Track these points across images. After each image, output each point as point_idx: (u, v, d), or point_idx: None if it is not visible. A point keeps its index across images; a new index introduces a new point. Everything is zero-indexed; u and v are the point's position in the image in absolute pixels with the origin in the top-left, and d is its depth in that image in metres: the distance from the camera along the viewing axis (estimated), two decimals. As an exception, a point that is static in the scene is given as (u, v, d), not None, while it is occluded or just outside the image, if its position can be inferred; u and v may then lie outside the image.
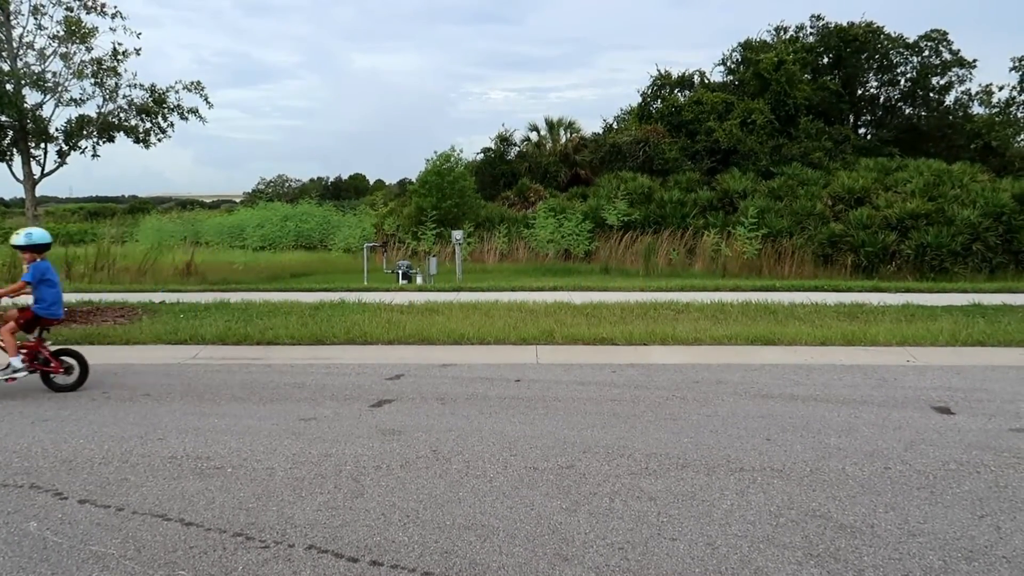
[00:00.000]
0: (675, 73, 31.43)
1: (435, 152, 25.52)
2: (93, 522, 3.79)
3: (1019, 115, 23.34)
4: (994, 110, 25.30)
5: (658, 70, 31.87)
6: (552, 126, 32.81)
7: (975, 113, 29.51)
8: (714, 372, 7.07)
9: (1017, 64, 23.08)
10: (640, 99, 31.90)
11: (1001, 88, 28.07)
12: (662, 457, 4.64)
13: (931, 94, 32.10)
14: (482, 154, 32.07)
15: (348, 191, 60.06)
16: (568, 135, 32.91)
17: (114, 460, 4.67)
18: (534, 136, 33.02)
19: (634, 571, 3.25)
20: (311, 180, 60.41)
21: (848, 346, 8.15)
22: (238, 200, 55.81)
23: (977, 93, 29.94)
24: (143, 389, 6.51)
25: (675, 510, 3.86)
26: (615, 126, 33.34)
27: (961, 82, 31.64)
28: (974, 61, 31.14)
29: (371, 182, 65.49)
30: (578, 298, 11.32)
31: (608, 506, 3.92)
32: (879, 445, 4.84)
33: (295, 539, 3.58)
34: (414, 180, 29.62)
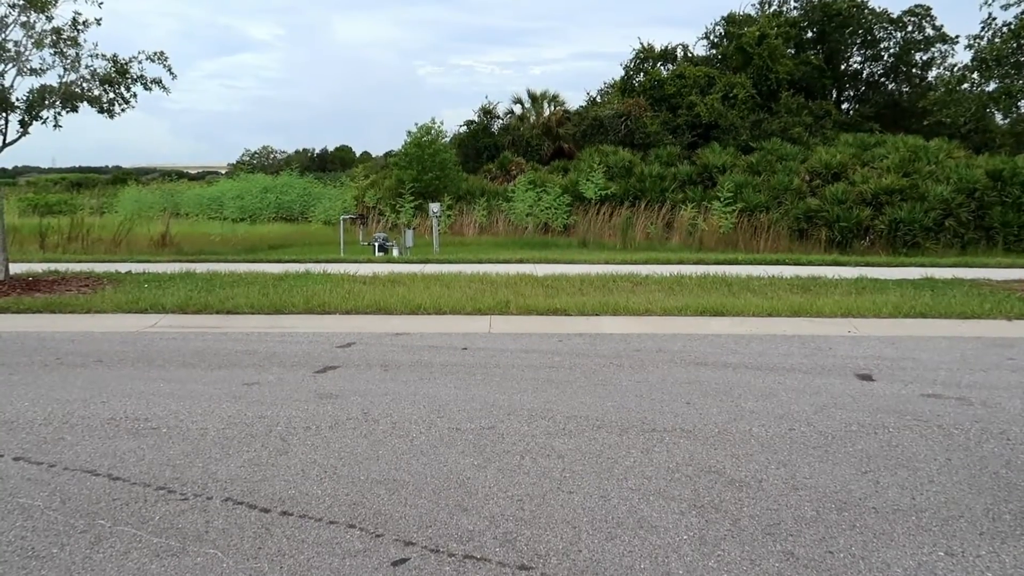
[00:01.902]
0: (658, 47, 31.33)
1: (416, 124, 25.46)
2: (24, 477, 3.97)
3: (969, 93, 23.35)
4: (942, 89, 25.35)
5: (641, 43, 31.76)
6: (535, 99, 32.69)
7: (929, 91, 29.50)
8: (658, 341, 7.28)
9: (971, 42, 23.06)
10: (623, 72, 31.83)
11: (954, 67, 28.20)
12: (581, 419, 4.85)
13: (914, 70, 32.16)
14: (465, 127, 32.01)
15: (335, 163, 59.80)
16: (552, 108, 32.81)
17: (54, 421, 4.85)
18: (518, 109, 32.92)
19: (527, 520, 3.47)
20: (297, 151, 60.12)
21: (794, 317, 8.38)
22: (223, 172, 55.47)
23: (938, 74, 29.95)
24: (96, 356, 6.66)
25: (580, 467, 4.08)
26: (598, 100, 33.27)
27: (944, 58, 31.71)
28: (956, 37, 31.22)
29: (358, 154, 65.23)
30: (542, 270, 11.50)
31: (518, 463, 4.13)
32: (791, 409, 5.07)
33: (214, 492, 3.78)
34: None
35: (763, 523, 3.43)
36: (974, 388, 5.61)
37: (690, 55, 31.66)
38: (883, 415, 4.94)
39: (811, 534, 3.33)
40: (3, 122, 9.83)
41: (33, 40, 9.59)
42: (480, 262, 13.00)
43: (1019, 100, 22.41)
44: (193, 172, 63.72)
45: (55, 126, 10.07)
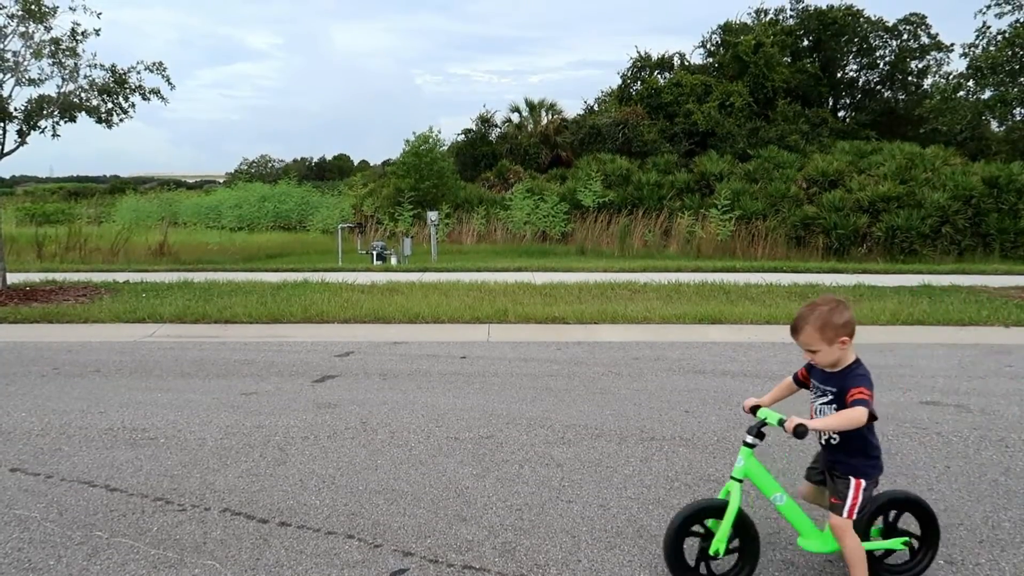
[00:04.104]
0: (655, 55, 31.46)
1: (414, 133, 25.52)
2: (21, 488, 3.95)
3: (965, 101, 23.45)
4: (937, 97, 25.47)
5: (638, 52, 31.91)
6: (533, 107, 32.78)
7: (924, 99, 29.67)
8: (656, 349, 7.28)
9: (967, 50, 23.21)
10: (620, 81, 31.94)
11: (950, 75, 28.35)
12: (580, 428, 4.85)
13: (909, 78, 32.32)
14: (463, 135, 32.07)
15: (333, 172, 59.88)
16: (549, 116, 32.91)
17: (52, 432, 4.83)
18: (515, 117, 33.01)
19: (526, 529, 3.46)
20: (295, 160, 60.21)
21: (792, 325, 8.37)
22: (221, 180, 55.49)
23: (934, 81, 30.09)
24: (94, 366, 6.65)
25: (579, 476, 4.07)
26: (595, 108, 33.35)
27: (939, 66, 31.89)
28: (951, 45, 31.40)
29: (356, 163, 65.32)
30: (540, 278, 11.51)
31: (516, 472, 4.12)
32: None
33: (212, 503, 3.77)
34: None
35: (763, 532, 3.41)
36: (972, 395, 5.61)
37: (687, 64, 31.81)
38: (881, 422, 4.91)
39: (811, 543, 3.31)
40: (1, 132, 9.84)
41: (32, 50, 9.61)
42: (478, 270, 13.00)
43: (1014, 107, 22.53)
44: (191, 181, 63.68)
45: (53, 136, 10.07)
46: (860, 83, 33.75)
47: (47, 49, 9.57)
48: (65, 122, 10.17)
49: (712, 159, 24.68)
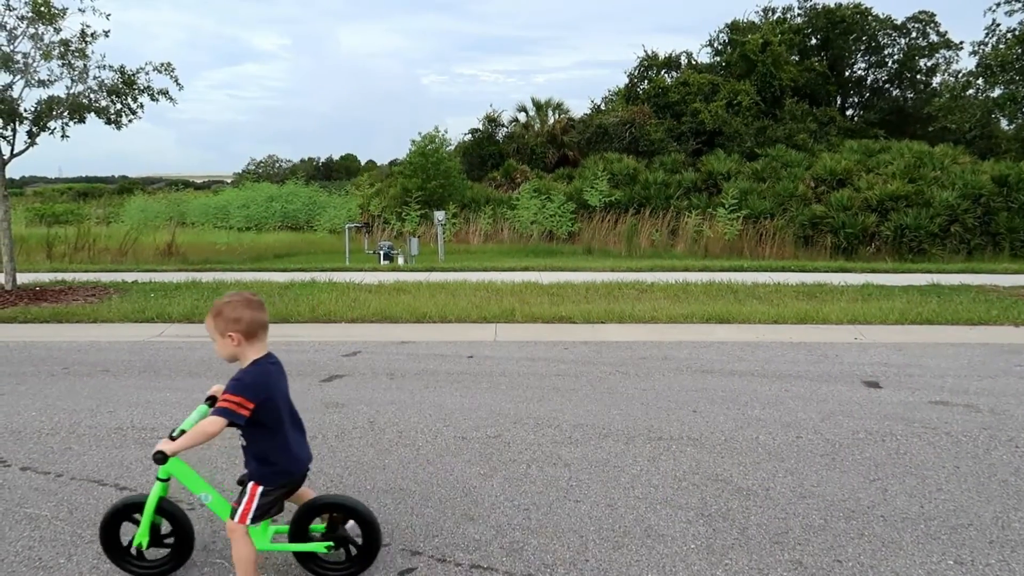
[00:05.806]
0: (662, 54, 31.41)
1: (420, 133, 25.61)
2: (31, 487, 3.98)
3: (975, 99, 23.33)
4: (946, 95, 25.31)
5: (645, 51, 31.85)
6: (540, 107, 32.80)
7: (933, 98, 29.51)
8: (663, 349, 7.27)
9: (976, 48, 23.08)
10: (627, 80, 31.90)
11: (959, 73, 28.22)
12: (587, 427, 4.84)
13: (918, 76, 32.16)
14: (470, 135, 32.11)
15: (340, 172, 60.04)
16: (556, 116, 32.91)
17: (61, 431, 4.86)
18: (522, 117, 33.04)
19: (534, 529, 3.46)
20: (302, 160, 60.40)
21: (800, 324, 8.35)
22: (229, 180, 55.69)
23: (943, 80, 29.94)
24: (103, 365, 6.68)
25: (586, 476, 4.07)
26: (602, 107, 33.32)
27: (948, 64, 31.72)
28: (960, 43, 31.24)
29: (363, 163, 65.51)
30: (547, 278, 11.51)
31: (524, 472, 4.12)
32: (798, 416, 5.05)
33: (220, 502, 3.77)
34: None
35: (771, 532, 3.42)
36: (982, 395, 5.58)
37: (694, 62, 31.75)
38: (891, 422, 4.92)
39: (819, 543, 3.31)
40: (11, 133, 9.90)
41: (41, 52, 9.66)
42: (485, 270, 13.01)
43: (1024, 106, 22.40)
44: (199, 181, 63.89)
45: (62, 136, 10.13)
46: (868, 81, 33.61)
47: (56, 50, 9.63)
48: (74, 123, 10.22)
49: (719, 158, 24.63)
